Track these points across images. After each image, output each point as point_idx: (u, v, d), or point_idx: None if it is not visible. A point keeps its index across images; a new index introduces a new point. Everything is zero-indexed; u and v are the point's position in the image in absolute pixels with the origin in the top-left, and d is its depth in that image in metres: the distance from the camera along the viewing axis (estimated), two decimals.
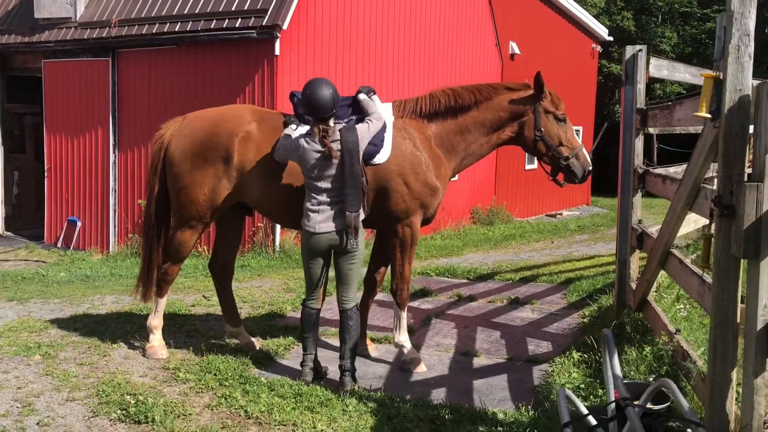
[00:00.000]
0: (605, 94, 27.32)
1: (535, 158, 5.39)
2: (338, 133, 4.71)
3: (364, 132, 4.79)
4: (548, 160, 5.21)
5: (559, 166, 5.18)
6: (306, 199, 4.83)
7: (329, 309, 7.07)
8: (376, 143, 4.95)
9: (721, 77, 3.15)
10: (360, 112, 5.02)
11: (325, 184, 4.73)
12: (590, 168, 5.19)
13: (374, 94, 5.10)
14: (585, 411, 2.78)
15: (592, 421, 2.66)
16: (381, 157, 4.99)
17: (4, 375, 4.87)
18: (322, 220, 4.74)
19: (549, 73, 21.84)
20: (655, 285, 6.14)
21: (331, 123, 4.76)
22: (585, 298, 7.45)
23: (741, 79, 3.07)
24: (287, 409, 4.31)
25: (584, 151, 5.22)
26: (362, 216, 4.79)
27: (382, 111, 5.00)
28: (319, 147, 4.69)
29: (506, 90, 5.22)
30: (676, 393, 2.73)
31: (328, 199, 4.74)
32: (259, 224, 11.18)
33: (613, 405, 2.79)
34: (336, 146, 4.67)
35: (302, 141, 4.75)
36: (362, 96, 5.02)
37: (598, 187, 23.55)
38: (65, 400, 4.48)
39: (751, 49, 3.04)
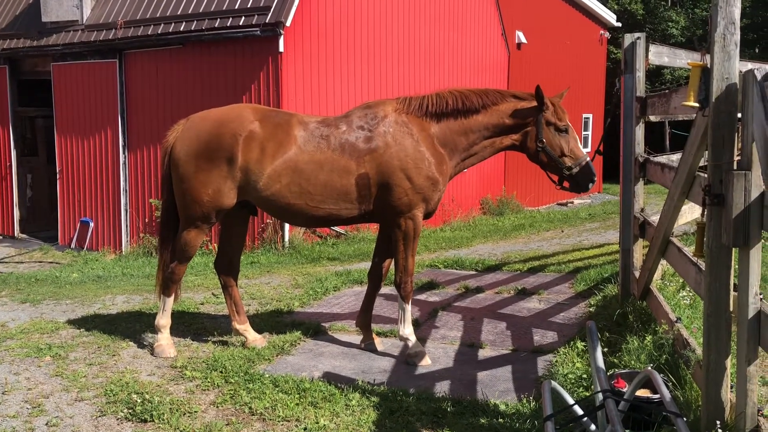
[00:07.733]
0: (615, 80, 27.07)
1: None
2: None
3: None
4: (552, 170, 5.31)
5: (563, 175, 5.27)
6: None
7: (336, 304, 7.13)
8: None
9: (708, 66, 3.14)
10: None
11: None
12: (594, 178, 5.22)
13: None
14: (571, 402, 2.80)
15: (579, 411, 2.68)
16: None
17: (15, 377, 4.97)
18: None
19: (557, 61, 21.66)
20: (660, 273, 6.14)
21: None
22: (592, 287, 7.44)
23: (728, 68, 3.07)
24: (291, 404, 4.37)
25: (588, 161, 5.24)
26: None
27: None
28: None
29: (513, 98, 5.30)
30: (659, 383, 2.76)
31: None
32: (268, 221, 11.25)
33: (600, 396, 2.82)
34: None
35: None
36: None
37: (611, 175, 23.39)
38: (74, 400, 4.56)
39: (737, 37, 3.03)
